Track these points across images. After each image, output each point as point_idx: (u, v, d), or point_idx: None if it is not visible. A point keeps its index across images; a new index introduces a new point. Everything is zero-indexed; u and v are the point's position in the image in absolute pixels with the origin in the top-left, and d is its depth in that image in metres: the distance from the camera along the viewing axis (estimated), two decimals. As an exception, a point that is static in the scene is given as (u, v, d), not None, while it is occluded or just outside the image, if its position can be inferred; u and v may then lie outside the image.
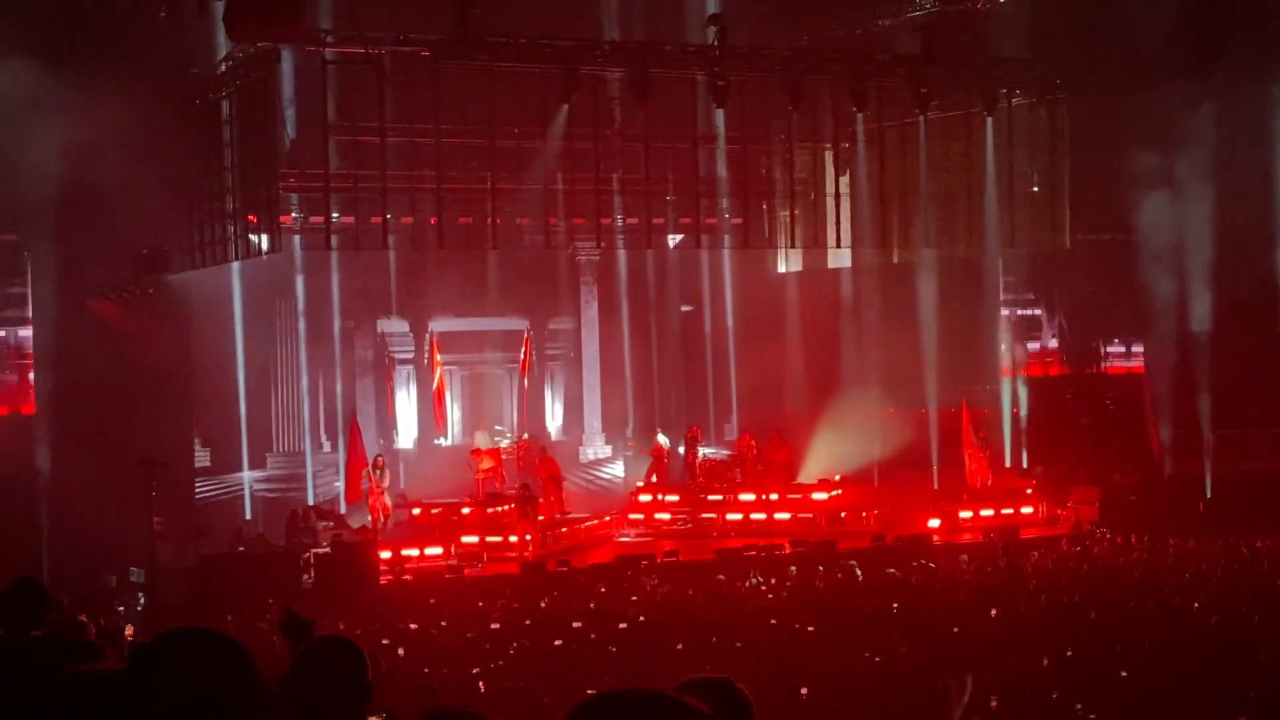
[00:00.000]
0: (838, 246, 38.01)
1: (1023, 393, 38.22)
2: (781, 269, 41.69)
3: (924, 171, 37.38)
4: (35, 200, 30.57)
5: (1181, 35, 32.40)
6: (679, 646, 18.97)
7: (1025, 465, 35.94)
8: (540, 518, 31.58)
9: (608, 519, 33.62)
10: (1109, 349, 39.31)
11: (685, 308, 41.80)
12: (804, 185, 38.27)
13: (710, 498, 34.04)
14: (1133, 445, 36.65)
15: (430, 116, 32.09)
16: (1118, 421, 37.18)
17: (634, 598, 24.22)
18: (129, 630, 14.62)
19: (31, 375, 31.87)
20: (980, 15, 34.46)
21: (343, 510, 32.38)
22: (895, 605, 21.78)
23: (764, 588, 25.09)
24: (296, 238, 34.98)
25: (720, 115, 34.67)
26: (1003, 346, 38.89)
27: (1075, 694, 15.21)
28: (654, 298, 41.20)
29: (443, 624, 21.94)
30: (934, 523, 32.33)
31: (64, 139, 27.61)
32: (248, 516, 34.49)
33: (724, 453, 37.90)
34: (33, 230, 31.42)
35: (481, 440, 35.53)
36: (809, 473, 36.25)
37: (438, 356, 36.62)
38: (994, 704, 14.40)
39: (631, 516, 33.80)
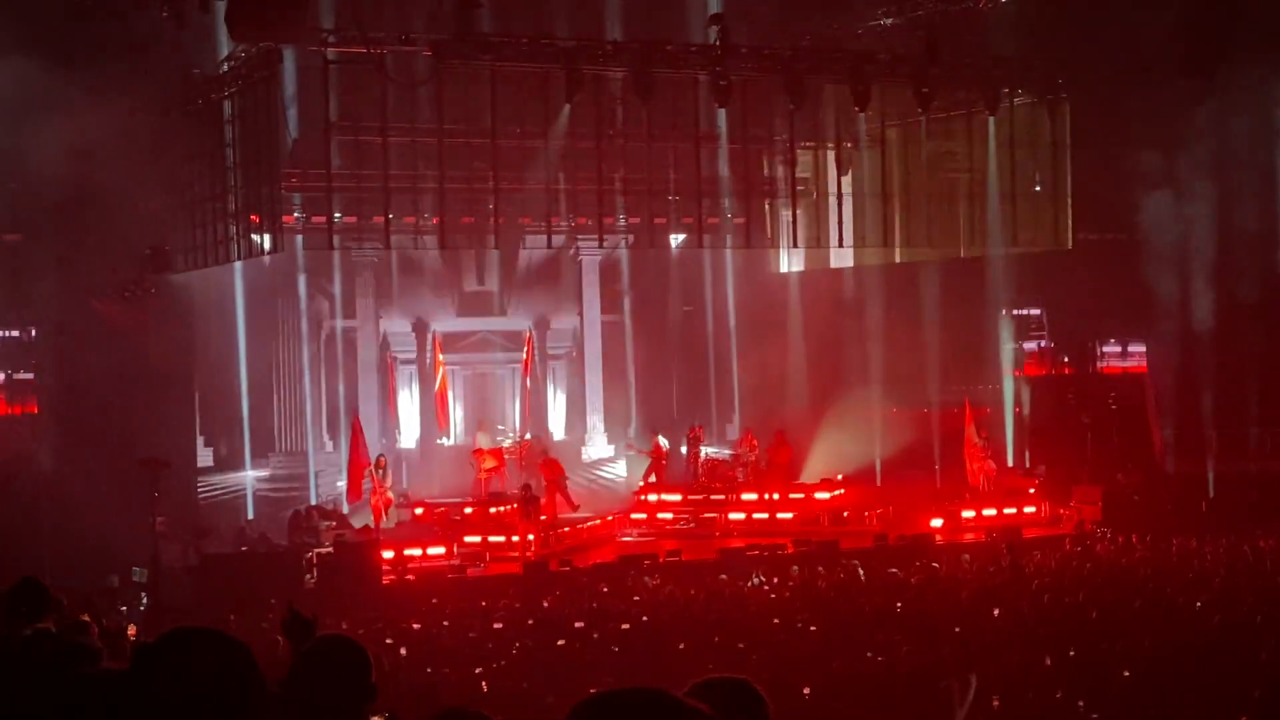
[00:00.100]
0: (840, 246, 38.04)
1: (1025, 392, 38.22)
2: (783, 269, 41.70)
3: (926, 171, 37.40)
4: (38, 200, 30.61)
5: (1183, 34, 32.37)
6: (681, 646, 18.96)
7: (1028, 465, 35.93)
8: (543, 517, 31.61)
9: (610, 518, 33.64)
10: (1105, 349, 39.26)
11: (687, 308, 41.79)
12: (806, 185, 38.31)
13: (712, 497, 34.06)
14: (1135, 445, 36.64)
15: (432, 116, 32.12)
16: (1120, 421, 37.16)
17: (636, 597, 24.22)
18: (131, 630, 14.62)
19: (34, 375, 31.87)
20: (982, 15, 34.44)
21: (345, 510, 32.38)
22: (899, 605, 21.76)
23: (766, 587, 25.07)
24: (299, 237, 35.00)
25: (722, 115, 34.70)
26: (1005, 346, 38.87)
27: (1078, 693, 15.20)
28: (656, 297, 41.20)
29: (445, 624, 21.94)
30: (936, 522, 32.33)
31: (66, 139, 27.62)
32: (250, 516, 34.51)
33: (726, 452, 37.89)
34: (35, 230, 31.45)
35: (483, 440, 35.56)
36: (811, 472, 36.26)
37: (440, 356, 36.63)
38: (996, 703, 14.39)
39: (634, 516, 33.83)
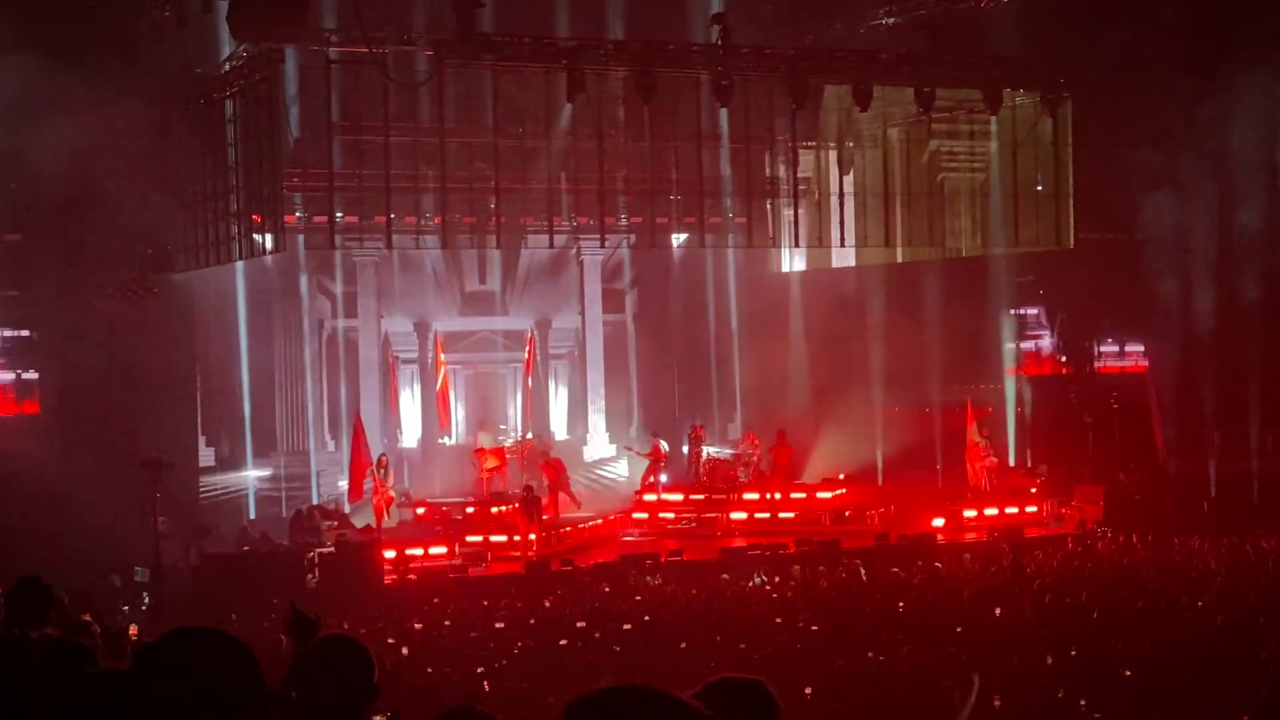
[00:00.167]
0: (841, 246, 38.06)
1: (1027, 392, 38.20)
2: (785, 268, 41.69)
3: (927, 171, 37.40)
4: (39, 200, 30.61)
5: (1184, 33, 32.36)
6: (683, 646, 18.96)
7: (1029, 464, 35.91)
8: (544, 517, 31.60)
9: (612, 518, 33.64)
10: (1102, 348, 39.21)
11: (689, 307, 41.75)
12: (807, 184, 38.31)
13: (714, 497, 34.06)
14: (1137, 444, 36.62)
15: (434, 116, 32.12)
16: (1122, 421, 37.14)
17: (638, 597, 24.21)
18: (133, 630, 14.61)
19: (36, 374, 31.87)
20: (983, 14, 34.44)
21: (347, 510, 32.38)
22: (900, 605, 21.76)
23: (768, 587, 25.06)
24: (300, 237, 35.00)
25: (724, 114, 34.70)
26: (1007, 345, 38.85)
27: (1079, 692, 15.20)
28: (658, 297, 41.20)
29: (447, 623, 21.94)
30: (938, 522, 32.32)
31: (68, 139, 27.62)
32: (252, 516, 34.55)
33: (728, 452, 37.88)
34: (37, 230, 31.45)
35: (485, 440, 35.55)
36: (813, 472, 36.25)
37: (441, 356, 36.62)
38: (997, 703, 14.39)
39: (636, 516, 33.83)
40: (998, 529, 31.24)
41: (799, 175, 36.97)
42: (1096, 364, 39.23)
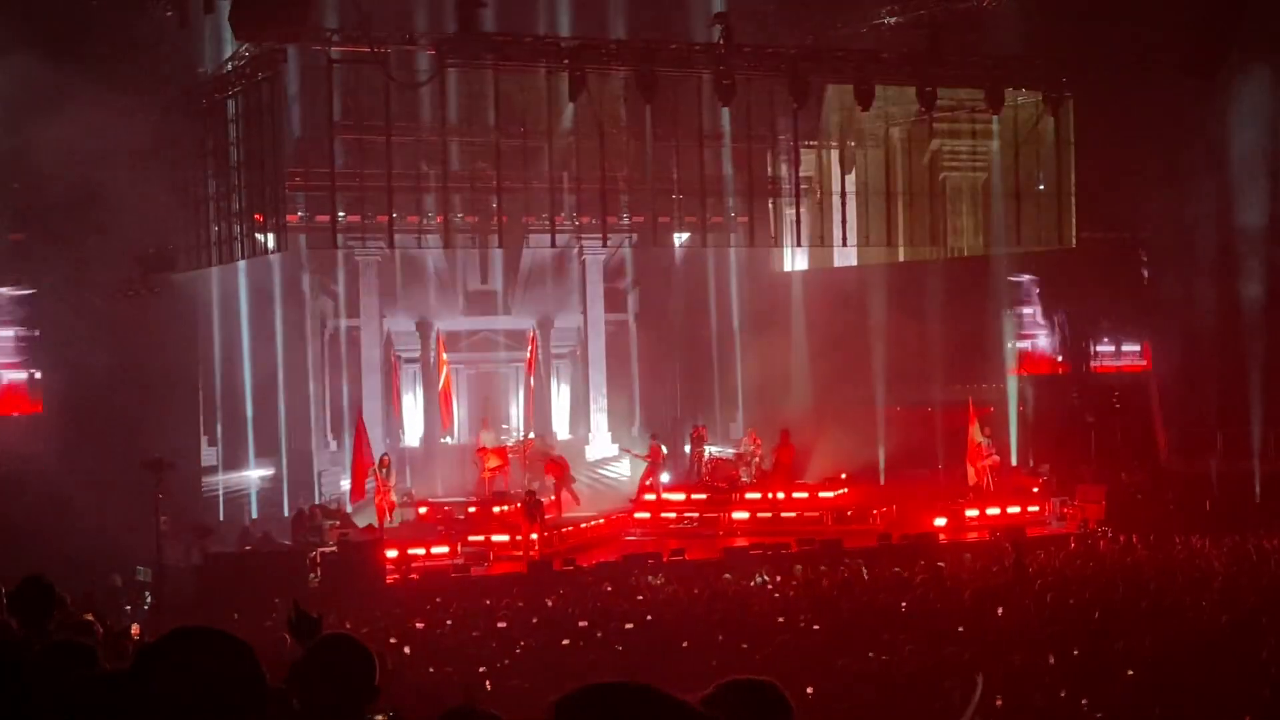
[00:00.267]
0: (843, 245, 38.05)
1: (1029, 391, 38.19)
2: (787, 267, 41.69)
3: (929, 170, 37.40)
4: (42, 199, 30.61)
5: (1186, 32, 32.35)
6: (685, 645, 18.95)
7: (1031, 464, 35.90)
8: (547, 516, 31.61)
9: (614, 517, 33.64)
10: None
11: (691, 306, 41.78)
12: (809, 184, 38.32)
13: (716, 497, 34.06)
14: (1139, 444, 36.61)
15: (436, 115, 32.13)
16: (1124, 420, 37.14)
17: (640, 597, 24.21)
18: (135, 630, 14.61)
19: (38, 374, 31.88)
20: (985, 14, 34.45)
21: (349, 509, 32.39)
22: (903, 604, 21.74)
23: (770, 586, 25.05)
24: (302, 237, 35.02)
25: (726, 114, 34.70)
26: (1009, 345, 38.84)
27: (1082, 692, 15.19)
28: (660, 297, 41.21)
29: (449, 623, 21.94)
30: (940, 521, 32.30)
31: (70, 138, 27.62)
32: (254, 516, 34.56)
33: (730, 451, 37.88)
34: (39, 229, 31.44)
35: (487, 439, 35.55)
36: (814, 471, 36.23)
37: (444, 355, 36.62)
38: (999, 702, 14.38)
39: (638, 515, 33.83)
40: (1000, 529, 31.22)
41: (801, 174, 36.97)
42: (1093, 363, 39.19)
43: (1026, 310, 39.34)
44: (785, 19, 36.21)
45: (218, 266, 33.22)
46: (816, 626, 20.11)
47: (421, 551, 29.38)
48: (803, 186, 37.33)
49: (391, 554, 28.59)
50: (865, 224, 37.74)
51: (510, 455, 35.01)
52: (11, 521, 27.00)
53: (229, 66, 31.61)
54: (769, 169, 38.33)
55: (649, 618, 21.48)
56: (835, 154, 38.25)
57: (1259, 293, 34.55)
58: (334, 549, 28.41)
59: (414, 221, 33.96)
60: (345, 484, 33.72)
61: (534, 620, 21.71)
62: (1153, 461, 36.34)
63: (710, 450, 37.34)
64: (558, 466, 34.31)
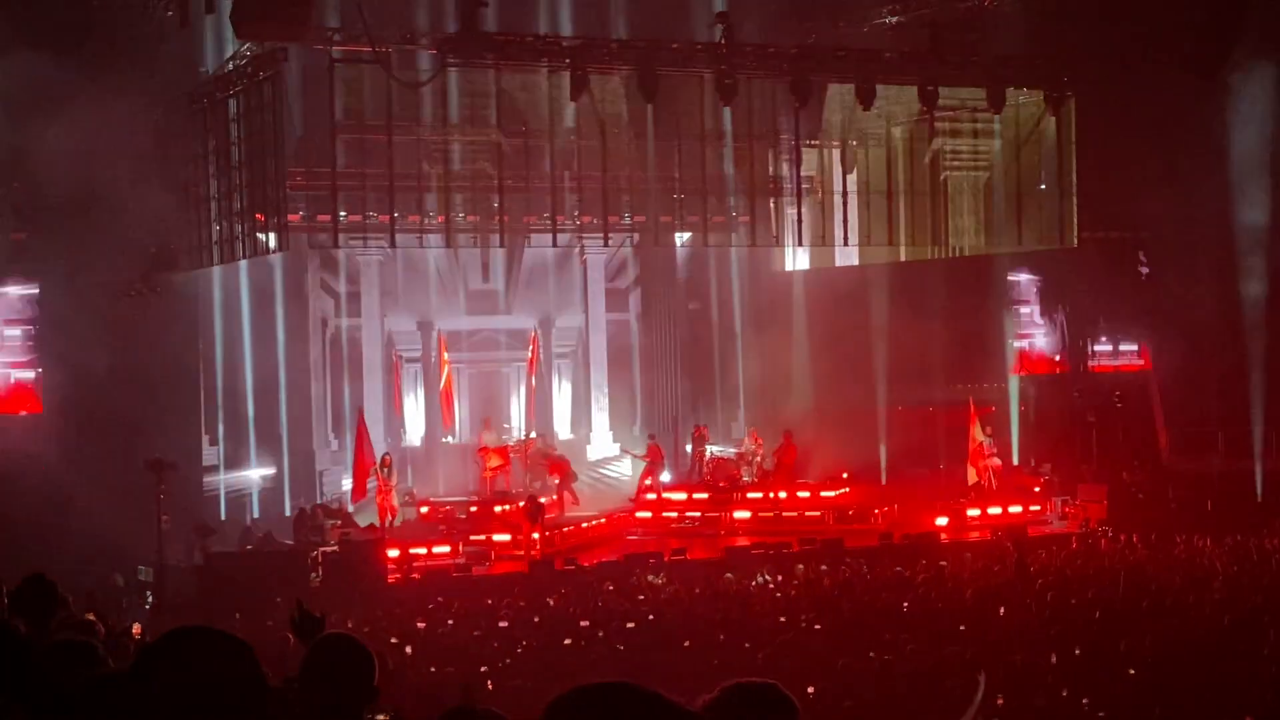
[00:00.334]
0: (845, 244, 38.03)
1: (1030, 390, 38.16)
2: (789, 267, 41.68)
3: (930, 169, 37.38)
4: (43, 198, 30.60)
5: (1188, 31, 32.32)
6: (687, 645, 18.96)
7: (1033, 463, 35.89)
8: (550, 515, 31.63)
9: (615, 517, 33.65)
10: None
11: (692, 306, 41.81)
12: (811, 183, 38.30)
13: (717, 496, 34.07)
14: (1140, 443, 36.59)
15: (437, 115, 32.12)
16: (1125, 419, 37.13)
17: (642, 596, 24.21)
18: (136, 629, 14.63)
19: (32, 374, 31.88)
20: (987, 13, 34.43)
21: (350, 509, 32.39)
22: (904, 604, 21.74)
23: (771, 586, 25.06)
24: (304, 236, 35.02)
25: (727, 113, 34.68)
26: (1010, 344, 38.83)
27: (1083, 691, 15.19)
28: (661, 296, 41.21)
29: (450, 622, 21.95)
30: (941, 521, 32.31)
31: (72, 137, 27.62)
32: (255, 515, 34.56)
33: (731, 451, 37.89)
34: (41, 228, 31.44)
35: (489, 439, 35.57)
36: (816, 471, 36.23)
37: (445, 355, 36.63)
38: (1001, 701, 14.38)
39: (639, 515, 33.84)
40: (1001, 528, 31.23)
41: (802, 174, 36.94)
42: (1090, 363, 39.16)
43: (1024, 310, 39.32)
44: (787, 18, 36.17)
45: (219, 266, 33.22)
46: (818, 626, 20.12)
47: (423, 551, 29.40)
48: (804, 186, 37.32)
49: (393, 553, 28.61)
50: (867, 223, 37.72)
51: (512, 455, 35.03)
52: (13, 521, 27.02)
53: (230, 66, 31.59)
54: (770, 168, 38.30)
55: (650, 617, 21.49)
56: (837, 153, 38.22)
57: (1260, 291, 34.52)
58: (335, 548, 28.41)
59: (415, 221, 33.94)
60: (347, 483, 33.73)
61: (535, 620, 21.73)
62: (1154, 461, 36.33)
63: (711, 449, 37.35)
64: (561, 466, 34.32)
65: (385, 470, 31.87)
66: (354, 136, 32.61)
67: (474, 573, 28.26)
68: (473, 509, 32.88)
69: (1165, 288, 36.82)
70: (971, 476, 33.78)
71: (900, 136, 37.70)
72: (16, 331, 31.90)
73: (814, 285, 40.78)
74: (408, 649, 19.17)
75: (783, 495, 34.02)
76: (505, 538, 30.42)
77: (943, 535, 31.37)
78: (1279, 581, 22.63)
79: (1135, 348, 38.88)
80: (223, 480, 35.08)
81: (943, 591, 23.09)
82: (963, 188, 37.83)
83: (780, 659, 17.17)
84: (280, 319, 36.47)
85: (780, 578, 25.81)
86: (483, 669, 17.77)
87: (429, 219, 34.12)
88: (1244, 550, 26.21)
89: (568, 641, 19.70)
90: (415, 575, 28.10)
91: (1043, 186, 36.99)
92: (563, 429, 40.06)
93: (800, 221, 37.34)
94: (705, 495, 34.25)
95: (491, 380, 40.25)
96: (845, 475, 35.34)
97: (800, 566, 26.95)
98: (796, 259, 41.42)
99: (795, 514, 33.23)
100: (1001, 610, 20.62)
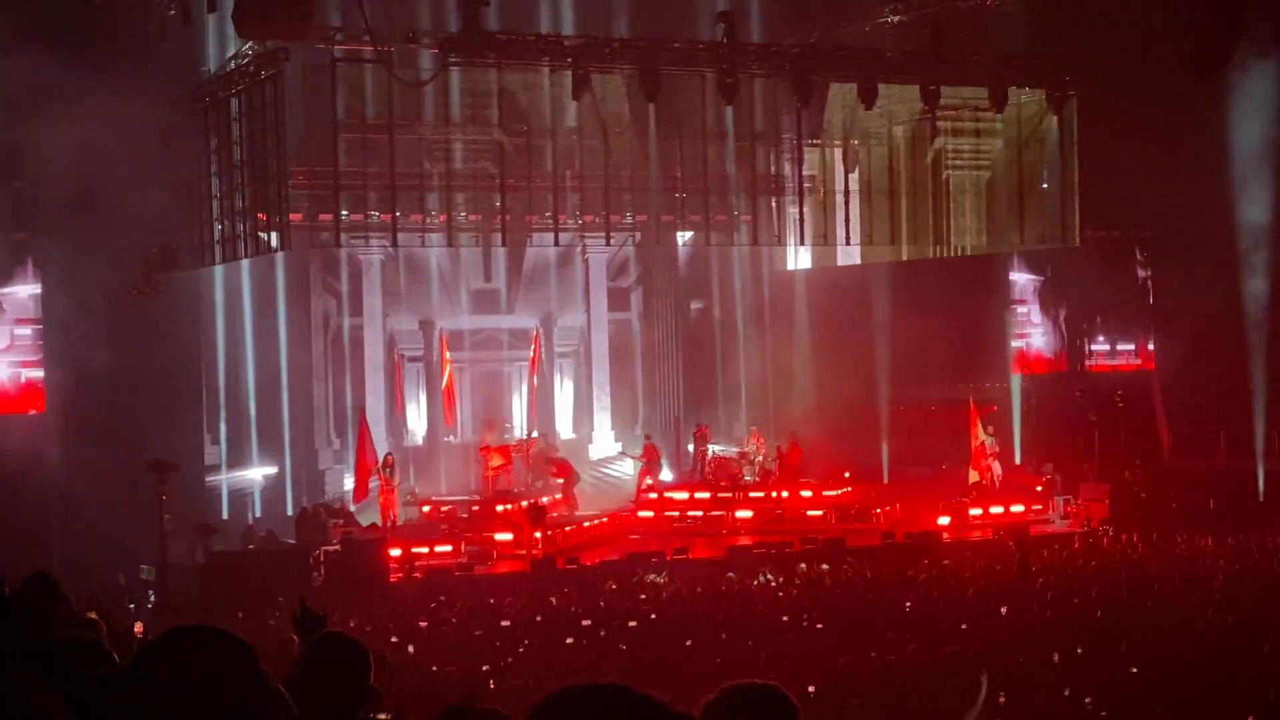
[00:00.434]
0: (847, 243, 38.05)
1: (1032, 390, 38.14)
2: (791, 266, 41.70)
3: (932, 169, 37.39)
4: (45, 198, 30.62)
5: (1190, 30, 32.30)
6: (689, 644, 18.95)
7: (1035, 462, 35.88)
8: (554, 515, 31.64)
9: (617, 516, 33.65)
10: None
11: (695, 305, 41.82)
12: (813, 182, 38.32)
13: (719, 495, 34.06)
14: (1142, 442, 36.57)
15: (439, 114, 32.13)
16: (1127, 418, 37.11)
17: (644, 595, 24.21)
18: (138, 628, 14.65)
19: (42, 373, 31.91)
20: (989, 12, 34.43)
21: (352, 508, 32.41)
22: (906, 603, 21.74)
23: (773, 585, 25.05)
24: (305, 235, 35.02)
25: (729, 112, 34.68)
26: (1012, 343, 38.82)
27: (1086, 690, 15.18)
28: (663, 295, 41.21)
29: (453, 621, 21.94)
30: (943, 520, 32.30)
31: (74, 136, 27.63)
32: (258, 514, 34.57)
33: (733, 450, 37.89)
34: (42, 228, 31.45)
35: (491, 438, 35.58)
36: (817, 470, 36.22)
37: (447, 354, 36.64)
38: (1002, 700, 14.37)
39: (641, 514, 33.84)
40: (1003, 527, 31.21)
41: (804, 173, 36.97)
42: (1088, 363, 39.13)
43: (1021, 309, 39.33)
44: (789, 18, 36.21)
45: (221, 265, 33.22)
46: (820, 625, 20.11)
47: (425, 550, 29.40)
48: (806, 185, 37.34)
49: (395, 553, 28.61)
50: (869, 222, 37.73)
51: (514, 454, 35.03)
52: (16, 520, 27.03)
53: (232, 65, 31.60)
54: (772, 167, 38.31)
55: (652, 616, 21.48)
56: (839, 152, 38.25)
57: (1262, 290, 34.51)
58: (338, 547, 28.41)
59: (417, 220, 33.95)
60: (349, 483, 33.74)
61: (537, 619, 21.71)
62: (1156, 460, 36.30)
63: (713, 449, 37.34)
64: (565, 469, 34.34)
65: (388, 470, 31.90)
66: (356, 135, 32.61)
67: (476, 572, 28.26)
68: (475, 508, 32.88)
69: (1167, 287, 36.80)
70: (973, 476, 33.77)
71: (902, 136, 37.72)
72: (27, 331, 31.93)
73: (816, 284, 40.81)
74: (410, 648, 19.16)
75: (785, 495, 34.00)
76: (507, 537, 30.42)
77: (945, 534, 31.36)
78: (1280, 581, 22.61)
79: (1132, 347, 38.87)
80: (225, 479, 35.09)
81: (945, 591, 23.07)
82: (964, 187, 37.85)
83: (782, 658, 17.16)
84: (282, 318, 36.49)
85: (782, 578, 25.81)
86: (485, 668, 17.76)
87: (431, 218, 34.13)
88: (1246, 550, 26.20)
89: (570, 640, 19.68)
90: (417, 574, 28.09)
91: (1044, 186, 37.00)
92: (565, 428, 40.07)
93: (802, 221, 37.35)
94: (707, 494, 34.24)
95: (493, 380, 40.25)
96: (847, 474, 35.34)
97: (802, 566, 26.95)
98: (798, 258, 41.45)
99: (797, 513, 33.21)
100: (1003, 609, 20.60)
